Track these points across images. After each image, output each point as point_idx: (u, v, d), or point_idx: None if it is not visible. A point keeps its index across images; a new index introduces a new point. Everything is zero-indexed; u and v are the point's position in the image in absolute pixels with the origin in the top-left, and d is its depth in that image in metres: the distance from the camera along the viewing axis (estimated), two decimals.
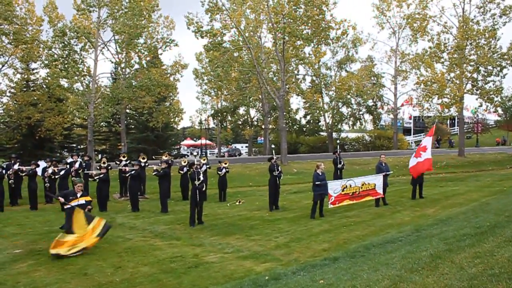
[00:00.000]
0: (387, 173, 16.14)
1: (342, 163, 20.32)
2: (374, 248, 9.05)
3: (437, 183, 21.75)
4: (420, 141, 55.76)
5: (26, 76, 39.57)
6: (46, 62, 28.96)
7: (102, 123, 45.20)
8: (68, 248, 9.73)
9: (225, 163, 20.12)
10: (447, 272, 5.20)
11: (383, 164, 16.26)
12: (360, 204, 15.23)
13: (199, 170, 13.93)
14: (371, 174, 16.74)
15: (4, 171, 18.79)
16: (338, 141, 19.97)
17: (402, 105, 49.69)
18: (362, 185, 15.02)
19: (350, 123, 55.16)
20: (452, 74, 33.86)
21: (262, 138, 57.82)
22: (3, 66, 36.15)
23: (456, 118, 46.47)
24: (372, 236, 10.73)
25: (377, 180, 15.43)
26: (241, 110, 55.77)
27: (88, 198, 10.86)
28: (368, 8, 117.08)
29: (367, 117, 54.91)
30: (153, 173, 17.51)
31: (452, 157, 35.19)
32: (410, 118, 63.92)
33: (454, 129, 59.19)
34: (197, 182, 13.21)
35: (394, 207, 15.23)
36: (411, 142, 57.90)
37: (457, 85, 32.94)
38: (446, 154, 37.24)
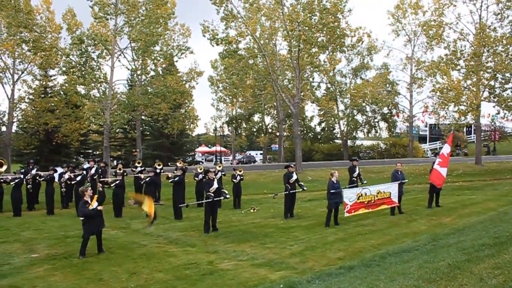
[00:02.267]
0: (403, 181, 15.99)
1: (358, 172, 20.09)
2: (390, 257, 8.96)
3: (454, 192, 21.47)
4: (436, 149, 55.59)
5: (44, 83, 40.15)
6: (64, 69, 29.32)
7: (118, 130, 45.58)
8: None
9: (240, 171, 20.09)
10: (466, 283, 5.11)
11: (399, 172, 16.10)
12: (376, 213, 15.07)
13: (214, 177, 13.91)
14: (387, 182, 16.59)
15: (22, 176, 19.06)
16: (356, 158, 19.79)
17: (423, 114, 49.22)
18: (378, 193, 14.87)
19: (365, 130, 54.80)
20: (468, 82, 33.50)
21: (277, 146, 57.69)
22: (22, 73, 36.79)
23: (472, 126, 45.88)
24: (388, 245, 10.61)
25: (392, 189, 15.27)
26: (256, 117, 55.83)
27: (95, 197, 10.78)
28: (383, 16, 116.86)
29: (382, 124, 54.53)
30: (169, 181, 17.55)
31: (468, 165, 34.76)
32: (423, 122, 62.98)
33: (471, 137, 58.49)
34: (211, 191, 13.21)
35: (410, 215, 15.07)
36: (427, 150, 57.32)
37: (474, 93, 32.57)
38: (462, 162, 36.81)
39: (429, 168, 18.87)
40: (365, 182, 18.17)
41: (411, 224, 13.49)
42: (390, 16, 44.99)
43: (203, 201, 14.33)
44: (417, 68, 44.56)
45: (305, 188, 16.38)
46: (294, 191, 15.86)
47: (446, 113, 35.27)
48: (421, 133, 66.44)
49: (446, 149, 16.86)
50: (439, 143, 59.49)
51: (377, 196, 14.80)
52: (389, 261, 8.56)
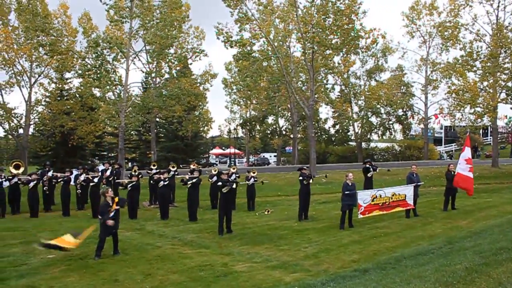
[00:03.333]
0: (418, 183, 15.86)
1: (375, 168, 20.06)
2: (405, 260, 8.90)
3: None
4: (452, 151, 55.03)
5: (60, 86, 40.53)
6: (80, 72, 29.62)
7: (132, 132, 45.92)
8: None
9: (254, 172, 20.09)
10: (484, 287, 5.05)
11: (414, 175, 15.98)
12: (390, 215, 14.97)
13: (228, 178, 13.95)
14: (402, 185, 16.47)
15: (39, 178, 19.30)
16: (369, 160, 19.90)
17: (436, 117, 48.74)
18: (392, 195, 14.77)
19: (380, 132, 54.41)
20: (485, 83, 33.07)
21: (291, 148, 57.58)
22: (39, 76, 37.24)
23: (489, 128, 45.29)
24: (403, 247, 10.54)
25: (407, 191, 15.15)
26: (270, 120, 55.78)
27: (116, 199, 10.83)
28: (398, 17, 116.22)
29: (397, 126, 54.11)
30: (182, 183, 17.61)
31: (485, 167, 34.32)
32: (438, 124, 62.36)
33: (487, 139, 57.78)
34: (225, 189, 13.25)
35: (425, 218, 14.95)
36: (443, 153, 56.74)
37: (491, 94, 32.17)
38: (479, 164, 36.35)
39: (444, 170, 18.67)
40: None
41: (426, 227, 13.38)
42: (405, 17, 44.66)
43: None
44: (432, 69, 44.16)
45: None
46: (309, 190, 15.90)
47: (462, 115, 34.91)
48: (436, 135, 65.78)
49: (468, 152, 16.61)
50: (455, 145, 58.86)
51: (392, 198, 14.70)
52: (404, 264, 8.50)
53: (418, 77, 47.59)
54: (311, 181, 16.14)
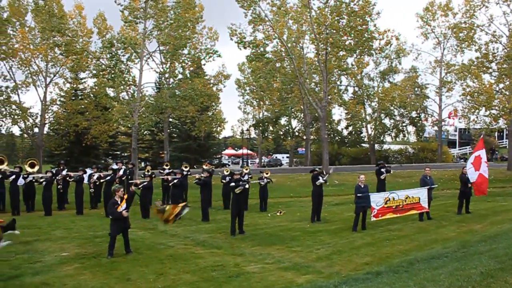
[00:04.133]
0: (432, 186, 15.72)
1: (389, 170, 19.94)
2: (418, 263, 8.82)
3: (485, 198, 20.92)
4: (466, 154, 54.44)
5: (75, 86, 40.92)
6: (94, 71, 29.85)
7: (145, 132, 46.13)
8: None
9: (267, 173, 20.08)
10: None
11: (428, 177, 15.85)
12: (404, 218, 14.86)
13: (242, 178, 13.98)
14: (415, 187, 16.33)
15: (53, 177, 19.50)
16: (382, 162, 19.85)
17: (449, 116, 48.29)
18: (406, 198, 14.67)
19: (393, 134, 54.11)
20: (501, 85, 32.73)
21: (303, 149, 57.47)
22: (54, 76, 37.62)
23: (505, 130, 44.76)
24: (416, 251, 10.46)
25: (421, 194, 15.04)
26: (283, 121, 55.73)
27: (125, 196, 10.88)
28: (412, 18, 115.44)
29: (410, 128, 53.76)
30: (194, 181, 17.65)
31: (500, 171, 33.92)
32: (452, 125, 61.72)
33: (503, 142, 57.12)
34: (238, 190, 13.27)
35: (439, 221, 14.82)
36: (458, 157, 56.16)
37: (507, 97, 31.80)
38: (494, 168, 35.93)
39: (458, 173, 18.47)
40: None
41: (440, 230, 13.27)
42: (419, 18, 44.34)
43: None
44: (446, 71, 43.76)
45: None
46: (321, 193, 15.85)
47: (477, 117, 34.57)
48: (450, 137, 65.18)
49: (483, 154, 16.38)
50: (469, 148, 58.26)
51: (405, 201, 14.60)
52: (417, 267, 8.43)
53: (432, 79, 47.29)
54: (325, 178, 16.08)
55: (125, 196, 10.71)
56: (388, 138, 55.69)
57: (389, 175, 20.57)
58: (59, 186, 19.87)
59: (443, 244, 11.00)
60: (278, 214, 18.02)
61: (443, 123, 47.94)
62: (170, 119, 42.46)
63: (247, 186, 13.82)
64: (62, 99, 40.21)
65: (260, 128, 56.35)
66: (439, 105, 46.08)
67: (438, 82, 45.70)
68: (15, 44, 34.38)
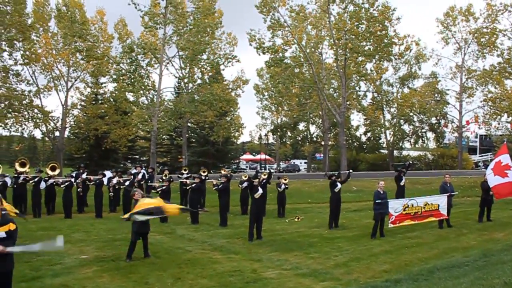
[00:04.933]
0: (452, 193, 15.51)
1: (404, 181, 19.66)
2: (438, 272, 8.70)
3: (507, 206, 20.52)
4: (487, 161, 53.56)
5: (95, 90, 41.48)
6: (114, 76, 30.25)
7: (164, 136, 46.49)
8: None
9: (285, 179, 20.03)
10: None
11: (448, 184, 15.64)
12: (422, 225, 14.67)
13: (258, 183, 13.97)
14: (434, 194, 16.12)
15: (73, 180, 19.76)
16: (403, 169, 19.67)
17: (467, 123, 47.59)
18: (425, 205, 14.48)
19: (412, 141, 53.58)
20: None
21: (321, 155, 57.28)
22: (75, 80, 38.24)
23: None
24: (436, 259, 10.31)
25: (441, 201, 14.83)
26: (301, 126, 55.66)
27: None
28: (432, 23, 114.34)
29: (430, 135, 53.15)
30: (214, 188, 17.70)
31: None
32: (472, 133, 60.81)
33: None
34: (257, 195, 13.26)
35: (459, 229, 14.59)
36: (480, 163, 55.28)
37: None
38: None
39: (479, 180, 18.18)
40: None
41: (460, 238, 13.06)
42: (439, 23, 43.88)
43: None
44: (467, 77, 43.18)
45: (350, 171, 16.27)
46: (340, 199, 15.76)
47: (499, 123, 34.07)
48: (470, 144, 64.21)
49: (506, 159, 16.04)
50: (490, 154, 57.32)
51: (424, 208, 14.43)
52: (437, 276, 8.31)
53: (453, 85, 46.58)
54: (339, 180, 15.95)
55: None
56: (407, 144, 55.18)
57: (409, 182, 20.35)
58: (79, 189, 20.12)
59: (464, 252, 10.83)
60: (295, 220, 17.95)
61: (463, 129, 47.29)
62: (189, 124, 42.72)
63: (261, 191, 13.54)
64: (82, 103, 40.79)
65: (278, 134, 56.36)
66: (459, 111, 45.43)
67: (459, 88, 45.10)
68: (38, 49, 35.09)
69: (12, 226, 6.12)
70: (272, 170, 34.17)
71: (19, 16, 30.85)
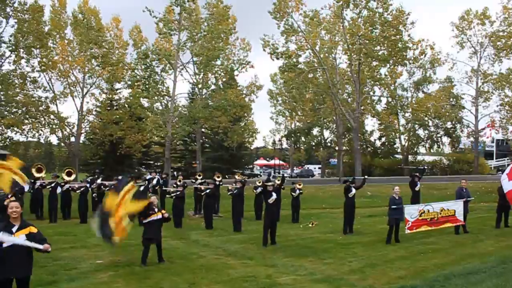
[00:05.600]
0: (468, 199, 15.31)
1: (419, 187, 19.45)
2: (455, 278, 8.60)
3: None
4: (504, 165, 52.80)
5: (110, 96, 41.86)
6: (129, 82, 30.52)
7: (178, 142, 46.69)
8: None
9: (299, 185, 19.98)
10: None
11: (464, 190, 15.45)
12: (439, 231, 14.49)
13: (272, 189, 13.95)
14: (450, 200, 15.93)
15: (88, 185, 19.94)
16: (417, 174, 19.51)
17: (484, 128, 47.04)
18: (441, 210, 14.31)
19: (427, 145, 53.10)
20: None
21: (335, 160, 57.04)
22: (91, 86, 38.65)
23: None
24: (452, 265, 10.18)
25: (457, 206, 14.64)
26: (315, 131, 55.52)
27: (163, 212, 10.97)
28: (447, 27, 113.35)
29: (445, 139, 52.61)
30: (229, 193, 17.73)
31: None
32: (488, 137, 60.04)
33: None
34: (270, 200, 13.24)
35: (476, 235, 14.39)
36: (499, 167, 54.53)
37: None
38: None
39: (496, 186, 17.94)
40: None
41: (477, 244, 12.89)
42: (454, 27, 43.56)
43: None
44: (483, 81, 42.77)
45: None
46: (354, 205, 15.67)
47: None
48: (487, 149, 63.40)
49: None
50: (507, 159, 56.55)
51: (440, 213, 14.26)
52: (454, 282, 8.22)
53: (468, 89, 46.04)
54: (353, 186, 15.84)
55: (163, 211, 10.85)
56: (422, 149, 54.71)
57: (424, 187, 20.12)
58: (94, 195, 20.27)
59: (481, 259, 10.68)
60: (310, 225, 17.87)
61: (479, 134, 46.75)
62: (203, 130, 42.90)
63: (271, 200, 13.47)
64: (98, 109, 41.18)
65: (292, 139, 56.29)
66: (475, 116, 44.99)
67: (475, 92, 44.65)
68: (54, 56, 35.60)
69: (33, 229, 6.31)
70: (286, 175, 34.09)
71: (37, 24, 31.37)
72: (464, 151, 54.44)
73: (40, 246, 6.19)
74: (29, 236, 6.21)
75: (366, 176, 19.19)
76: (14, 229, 6.21)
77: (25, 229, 6.25)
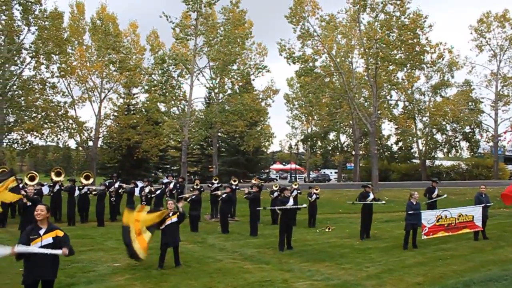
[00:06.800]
0: (488, 204, 15.07)
1: (437, 193, 19.05)
2: (474, 285, 8.48)
3: None
4: None
5: (127, 101, 42.24)
6: (146, 87, 30.74)
7: (195, 146, 46.87)
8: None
9: (316, 189, 19.93)
10: None
11: (483, 195, 15.22)
12: (457, 237, 14.31)
13: (289, 195, 13.93)
14: (469, 205, 15.70)
15: (106, 189, 20.15)
16: (436, 179, 19.18)
17: (504, 133, 46.32)
18: (459, 216, 14.11)
19: (445, 150, 52.49)
20: None
21: (352, 164, 56.73)
22: (109, 91, 39.04)
23: None
24: (472, 272, 10.04)
25: (475, 212, 14.42)
26: (331, 136, 55.35)
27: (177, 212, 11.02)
28: (465, 30, 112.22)
29: (464, 144, 51.92)
30: (244, 197, 17.75)
31: None
32: (509, 143, 58.91)
33: None
34: (288, 206, 13.21)
35: (495, 241, 14.17)
36: None
37: None
38: None
39: None
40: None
41: (497, 251, 12.68)
42: (473, 31, 43.08)
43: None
44: (503, 84, 42.18)
45: (383, 202, 16.03)
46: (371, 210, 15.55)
47: None
48: (507, 153, 62.40)
49: None
50: None
51: (458, 219, 14.06)
52: None
53: (488, 93, 45.45)
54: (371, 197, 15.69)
55: (177, 214, 10.89)
56: (440, 154, 54.10)
57: (441, 193, 19.73)
58: (112, 198, 20.47)
59: (501, 266, 10.50)
60: (326, 230, 17.80)
61: (499, 138, 46.04)
62: (219, 134, 43.02)
63: (288, 206, 13.44)
64: (115, 113, 41.55)
65: (309, 143, 56.15)
66: (494, 120, 44.36)
67: (494, 96, 44.05)
68: (73, 62, 36.10)
69: (59, 233, 6.54)
70: (299, 179, 33.90)
71: (56, 30, 31.84)
72: (483, 156, 53.68)
73: (58, 252, 6.30)
74: (56, 240, 6.39)
75: (383, 202, 18.24)
76: (41, 232, 6.42)
77: (52, 232, 6.45)
